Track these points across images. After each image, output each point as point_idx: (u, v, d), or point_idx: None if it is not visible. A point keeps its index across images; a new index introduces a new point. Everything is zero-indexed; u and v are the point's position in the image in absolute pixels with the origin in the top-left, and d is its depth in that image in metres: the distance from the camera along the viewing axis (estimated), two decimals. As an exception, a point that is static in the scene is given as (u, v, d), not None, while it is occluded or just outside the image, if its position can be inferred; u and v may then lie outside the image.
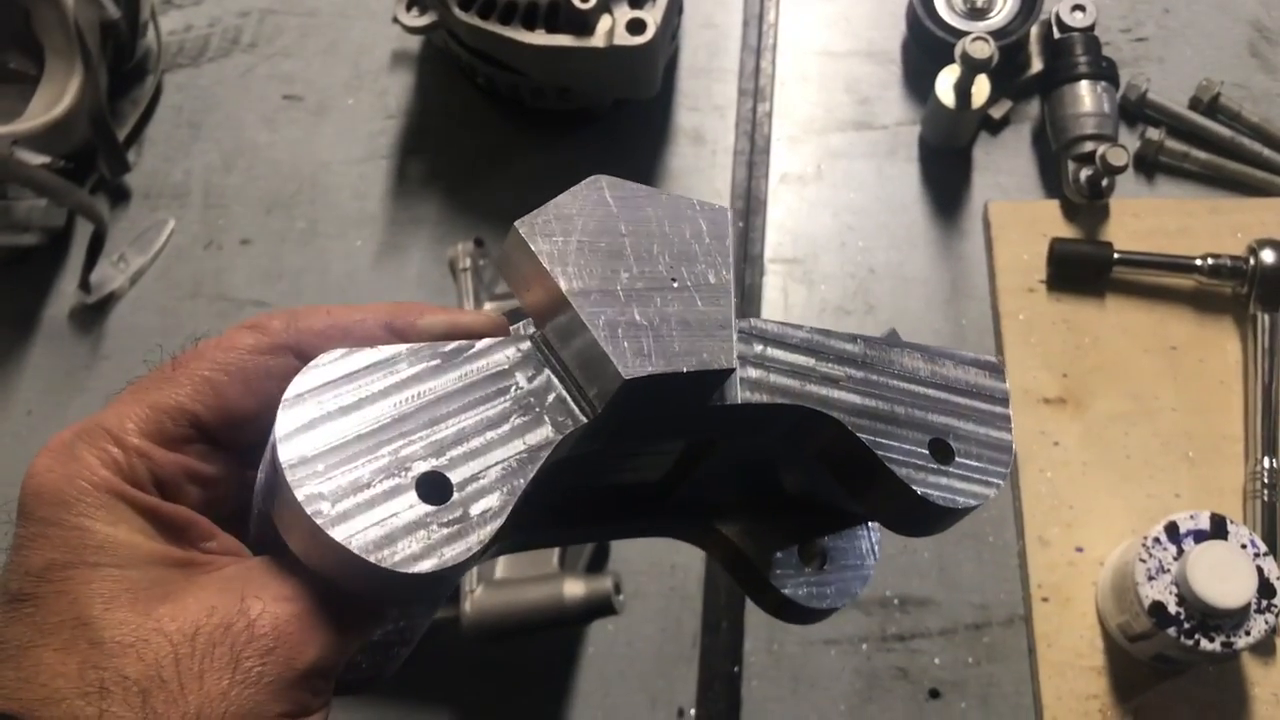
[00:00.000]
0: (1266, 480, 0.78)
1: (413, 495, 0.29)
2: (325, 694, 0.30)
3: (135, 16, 0.96)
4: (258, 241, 0.93)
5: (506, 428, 0.30)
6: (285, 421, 0.28)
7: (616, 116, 0.95)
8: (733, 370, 0.33)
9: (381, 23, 1.00)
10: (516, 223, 0.32)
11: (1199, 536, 0.71)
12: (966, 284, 0.89)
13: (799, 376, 0.35)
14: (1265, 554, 0.70)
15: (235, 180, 0.96)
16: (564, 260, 0.32)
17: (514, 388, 0.31)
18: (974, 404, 0.38)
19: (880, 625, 0.78)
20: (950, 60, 0.86)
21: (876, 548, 0.46)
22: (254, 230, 0.93)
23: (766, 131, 0.95)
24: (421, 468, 0.29)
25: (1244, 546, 0.70)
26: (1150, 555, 0.70)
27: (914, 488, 0.35)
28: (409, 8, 0.88)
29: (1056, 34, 0.91)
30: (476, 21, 0.84)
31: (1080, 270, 0.86)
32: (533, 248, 0.32)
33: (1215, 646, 0.68)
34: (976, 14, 0.93)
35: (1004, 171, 0.93)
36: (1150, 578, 0.70)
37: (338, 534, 0.28)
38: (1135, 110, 0.93)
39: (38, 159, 0.85)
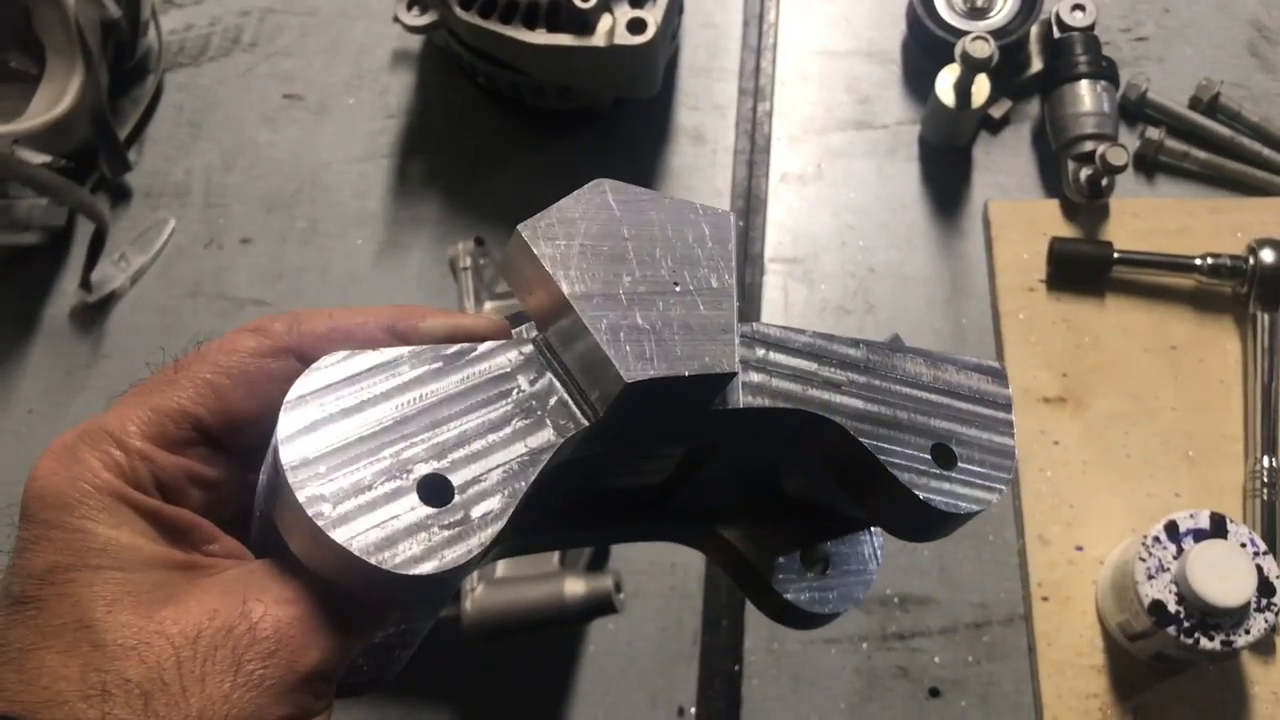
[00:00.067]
0: (1266, 479, 0.78)
1: (414, 497, 0.29)
2: (327, 696, 0.30)
3: (136, 15, 0.96)
4: (258, 241, 0.93)
5: (508, 430, 0.30)
6: (287, 423, 0.28)
7: (617, 116, 0.95)
8: (734, 374, 0.33)
9: (382, 22, 1.00)
10: (519, 226, 0.32)
11: (1199, 535, 0.71)
12: (966, 283, 0.89)
13: (801, 381, 0.35)
14: (1265, 553, 0.70)
15: (236, 179, 0.96)
16: (566, 264, 0.32)
17: (516, 390, 0.31)
18: (977, 409, 0.38)
19: (880, 624, 0.78)
20: (950, 60, 0.86)
21: (879, 553, 0.46)
22: (255, 229, 0.94)
23: (767, 131, 0.95)
24: (423, 470, 0.29)
25: (1243, 545, 0.70)
26: (1150, 554, 0.71)
27: (916, 493, 0.35)
28: (410, 7, 0.88)
29: (1056, 33, 0.91)
30: (477, 21, 0.84)
31: (1080, 270, 0.86)
32: (535, 251, 0.32)
33: (1215, 645, 0.68)
34: (976, 13, 0.93)
35: (1004, 171, 0.93)
36: (1150, 576, 0.70)
37: (339, 536, 0.28)
38: (1135, 110, 0.93)
39: (39, 158, 0.85)
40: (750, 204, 0.92)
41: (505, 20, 0.84)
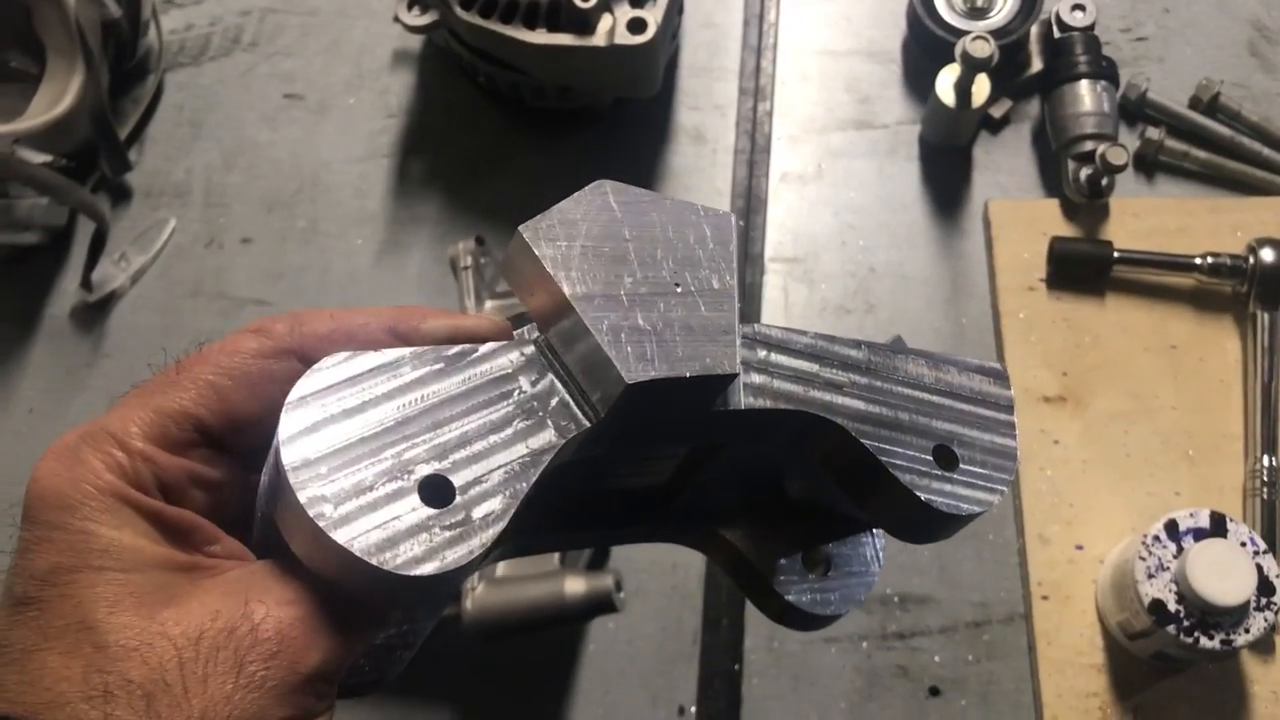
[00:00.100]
0: (1266, 478, 0.78)
1: (415, 498, 0.29)
2: (329, 698, 0.30)
3: (136, 15, 0.96)
4: (259, 240, 0.93)
5: (509, 431, 0.30)
6: (288, 424, 0.28)
7: (617, 115, 0.95)
8: (736, 375, 0.33)
9: (383, 22, 1.00)
10: (520, 227, 0.32)
11: (1198, 534, 0.71)
12: (967, 283, 0.89)
13: (803, 382, 0.35)
14: (1264, 552, 0.70)
15: (236, 179, 0.96)
16: (568, 265, 0.32)
17: (517, 391, 0.31)
18: (978, 410, 0.38)
19: (880, 623, 0.79)
20: (950, 59, 0.86)
21: (880, 554, 0.46)
22: (255, 229, 0.94)
23: (767, 130, 0.95)
24: (424, 471, 0.29)
25: (1243, 544, 0.70)
26: (1150, 553, 0.71)
27: (918, 494, 0.35)
28: (410, 7, 0.88)
29: (1056, 33, 0.91)
30: (478, 20, 0.84)
31: (1080, 269, 0.86)
32: (536, 252, 0.32)
33: (1215, 644, 0.68)
34: (977, 13, 0.93)
35: (1004, 170, 0.93)
36: (1150, 575, 0.70)
37: (340, 536, 0.28)
38: (1135, 109, 0.93)
39: (39, 157, 0.85)
40: (750, 204, 0.92)
41: (505, 20, 0.84)
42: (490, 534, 0.29)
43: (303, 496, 0.28)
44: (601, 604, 0.69)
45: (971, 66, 0.85)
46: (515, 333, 0.35)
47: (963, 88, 0.87)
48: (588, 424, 0.31)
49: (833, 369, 0.36)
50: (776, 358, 0.35)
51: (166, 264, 0.93)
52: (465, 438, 0.30)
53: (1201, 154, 0.91)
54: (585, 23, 0.83)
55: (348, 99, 0.98)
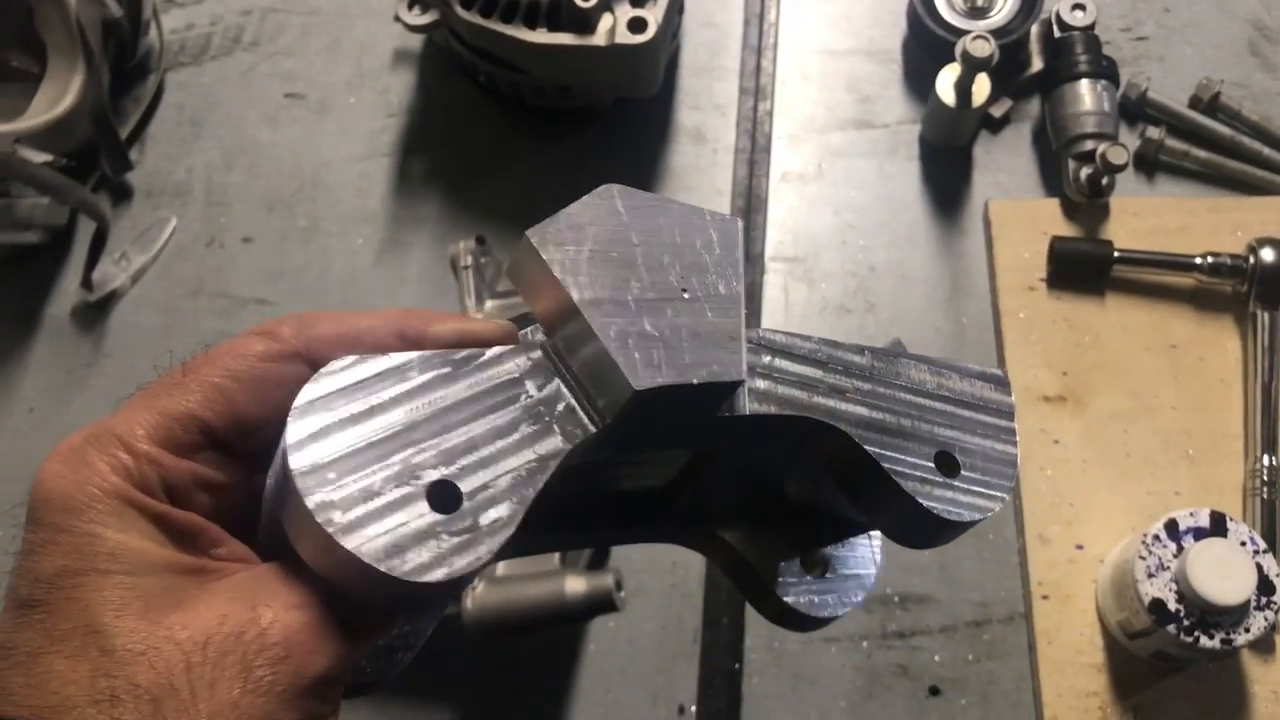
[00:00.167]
0: (1266, 478, 0.78)
1: (423, 504, 0.28)
2: (334, 701, 0.30)
3: (137, 15, 0.96)
4: (259, 239, 0.93)
5: (516, 436, 0.30)
6: (296, 429, 0.28)
7: (617, 115, 0.95)
8: (742, 382, 0.33)
9: (383, 21, 1.00)
10: (528, 231, 0.32)
11: (1199, 534, 0.71)
12: (967, 282, 0.89)
13: (806, 388, 0.35)
14: (1265, 551, 0.70)
15: (237, 178, 0.96)
16: (576, 270, 0.32)
17: (524, 396, 0.31)
18: (979, 417, 0.38)
19: (881, 622, 0.79)
20: (951, 59, 0.86)
21: (878, 556, 0.46)
22: (256, 228, 0.94)
23: (767, 130, 0.95)
24: (432, 476, 0.29)
25: (1243, 544, 0.70)
26: (1150, 552, 0.71)
27: (920, 501, 0.35)
28: (410, 6, 0.88)
29: (1057, 33, 0.91)
30: (478, 20, 0.84)
31: (1080, 269, 0.86)
32: (544, 257, 0.32)
33: (1215, 643, 0.68)
34: (977, 13, 0.93)
35: (1004, 170, 0.93)
36: (1150, 575, 0.70)
37: (348, 543, 0.27)
38: (1135, 109, 0.93)
39: (40, 157, 0.85)
40: (751, 203, 0.92)
41: (506, 19, 0.84)
42: (498, 540, 0.29)
43: (310, 502, 0.28)
44: (602, 603, 0.69)
45: (972, 66, 0.85)
46: (520, 334, 0.35)
47: (963, 87, 0.87)
48: (594, 430, 0.31)
49: (836, 374, 0.36)
50: (780, 363, 0.35)
51: (167, 263, 0.93)
52: (472, 443, 0.30)
53: (1202, 153, 0.91)
54: (586, 22, 0.83)
55: (348, 98, 0.98)
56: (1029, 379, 0.84)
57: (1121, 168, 0.84)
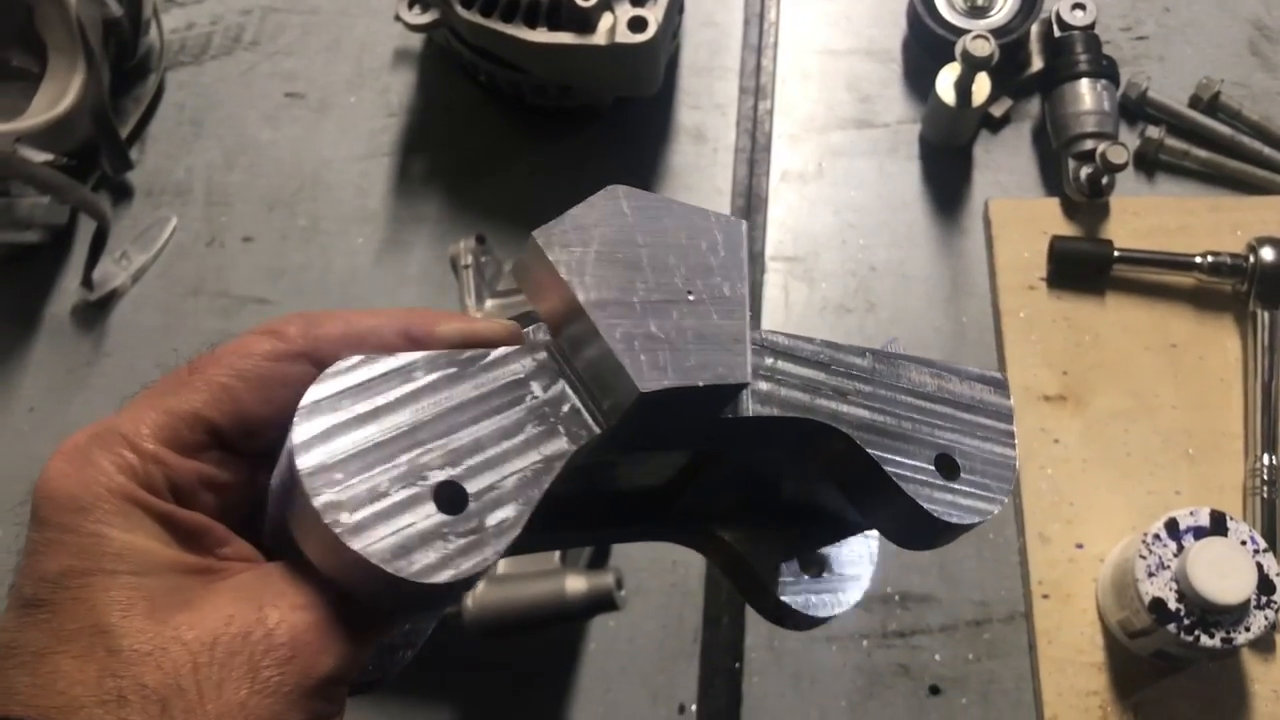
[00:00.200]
0: (1266, 477, 0.79)
1: (430, 505, 0.28)
2: (340, 701, 0.30)
3: (137, 14, 0.96)
4: (260, 239, 0.93)
5: (522, 438, 0.30)
6: (303, 429, 0.28)
7: (618, 114, 0.95)
8: (747, 384, 0.33)
9: (383, 20, 1.00)
10: (534, 232, 0.32)
11: (1199, 533, 0.71)
12: (967, 281, 0.89)
13: (809, 390, 0.35)
14: (1265, 550, 0.70)
15: (237, 178, 0.96)
16: (581, 271, 0.32)
17: (529, 397, 0.31)
18: (979, 420, 0.38)
19: (881, 622, 0.79)
20: (951, 58, 0.86)
21: (875, 556, 0.46)
22: (256, 228, 0.94)
23: (767, 129, 0.95)
24: (438, 477, 0.29)
25: (1244, 543, 0.70)
26: (1150, 552, 0.71)
27: (920, 503, 0.35)
28: (411, 5, 0.88)
29: (1057, 32, 0.91)
30: (478, 19, 0.84)
31: (1081, 268, 0.86)
32: (550, 257, 0.31)
33: (1215, 643, 0.68)
34: (977, 12, 0.93)
35: (1004, 169, 0.93)
36: (1150, 574, 0.70)
37: (356, 544, 0.27)
38: (1135, 108, 0.93)
39: (40, 156, 0.85)
40: (751, 202, 0.92)
41: (506, 19, 0.84)
42: (504, 542, 0.29)
43: (318, 502, 0.28)
44: (602, 602, 0.69)
45: (972, 65, 0.85)
46: (523, 335, 0.35)
47: (963, 86, 0.87)
48: (598, 431, 0.31)
49: (838, 377, 0.36)
50: (783, 365, 0.35)
51: (168, 263, 0.93)
52: (479, 444, 0.30)
53: (1202, 153, 0.91)
54: (586, 21, 0.83)
55: (349, 98, 0.99)
56: (1029, 378, 0.84)
57: (1121, 167, 0.84)
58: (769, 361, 0.35)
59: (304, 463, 0.28)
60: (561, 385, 0.32)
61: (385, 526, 0.28)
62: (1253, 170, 0.90)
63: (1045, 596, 0.78)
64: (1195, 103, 0.93)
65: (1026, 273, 0.87)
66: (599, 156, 0.95)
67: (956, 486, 0.36)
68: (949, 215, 0.92)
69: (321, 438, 0.28)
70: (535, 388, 0.31)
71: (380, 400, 0.29)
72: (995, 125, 0.94)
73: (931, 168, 0.93)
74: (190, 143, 0.97)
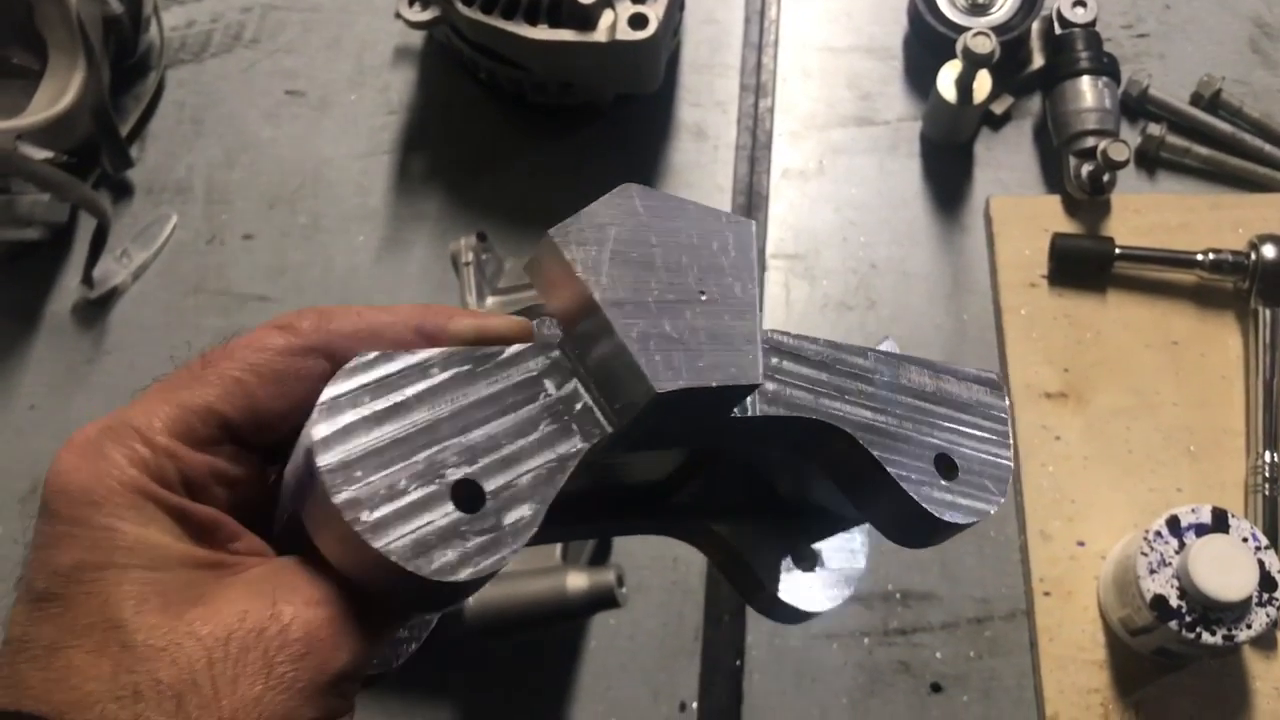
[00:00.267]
0: (1268, 474, 0.79)
1: (448, 503, 0.28)
2: (352, 697, 0.30)
3: (138, 12, 0.96)
4: (260, 237, 0.93)
5: (537, 435, 0.30)
6: (322, 426, 0.28)
7: (618, 112, 0.95)
8: (758, 385, 0.33)
9: (384, 18, 1.00)
10: (551, 230, 0.31)
11: (1200, 530, 0.71)
12: (968, 279, 0.89)
13: (813, 390, 0.36)
14: (1266, 547, 0.70)
15: (238, 176, 0.96)
16: (598, 269, 0.31)
17: (543, 395, 0.31)
18: (977, 420, 0.38)
19: (882, 619, 0.79)
20: (952, 56, 0.86)
21: (867, 551, 0.47)
22: (256, 225, 0.94)
23: (768, 127, 0.95)
24: (456, 475, 0.29)
25: (1245, 540, 0.70)
26: (1152, 549, 0.71)
27: (920, 503, 0.36)
28: (411, 3, 0.88)
29: (1058, 30, 0.91)
30: (479, 16, 0.84)
31: (1082, 265, 0.86)
32: (566, 256, 0.31)
33: (1216, 640, 0.68)
34: (978, 9, 0.93)
35: (1005, 167, 0.93)
36: (1152, 571, 0.70)
37: (376, 541, 0.27)
38: (1136, 106, 0.93)
39: (41, 154, 0.85)
40: (752, 200, 0.92)
41: (507, 16, 0.84)
42: (521, 540, 0.29)
43: (338, 499, 0.27)
44: (603, 599, 0.69)
45: (973, 63, 0.85)
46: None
47: (964, 84, 0.87)
48: (610, 429, 0.31)
49: (841, 377, 0.36)
50: (789, 365, 0.36)
51: (168, 260, 0.93)
52: (495, 442, 0.30)
53: (1203, 150, 0.91)
54: (587, 18, 0.83)
55: (349, 95, 0.98)
56: (1030, 376, 0.84)
57: (1123, 164, 0.84)
58: (774, 361, 0.35)
59: (324, 460, 0.28)
60: (574, 384, 0.32)
61: (405, 525, 0.28)
62: (1254, 167, 0.90)
63: (1046, 594, 0.78)
64: (1196, 100, 0.93)
65: (1028, 270, 0.87)
66: (599, 154, 0.95)
67: (955, 486, 0.37)
68: (950, 213, 0.91)
69: (341, 435, 0.28)
70: (549, 385, 0.31)
71: (398, 397, 0.29)
72: (996, 123, 0.94)
73: (932, 165, 0.93)
74: (191, 140, 0.97)
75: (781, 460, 0.43)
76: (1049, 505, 0.80)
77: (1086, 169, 0.87)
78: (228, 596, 0.29)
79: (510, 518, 0.29)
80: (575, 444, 0.31)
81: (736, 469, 0.44)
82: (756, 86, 0.97)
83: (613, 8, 0.83)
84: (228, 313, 0.90)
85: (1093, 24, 0.90)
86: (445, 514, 0.28)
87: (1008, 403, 0.39)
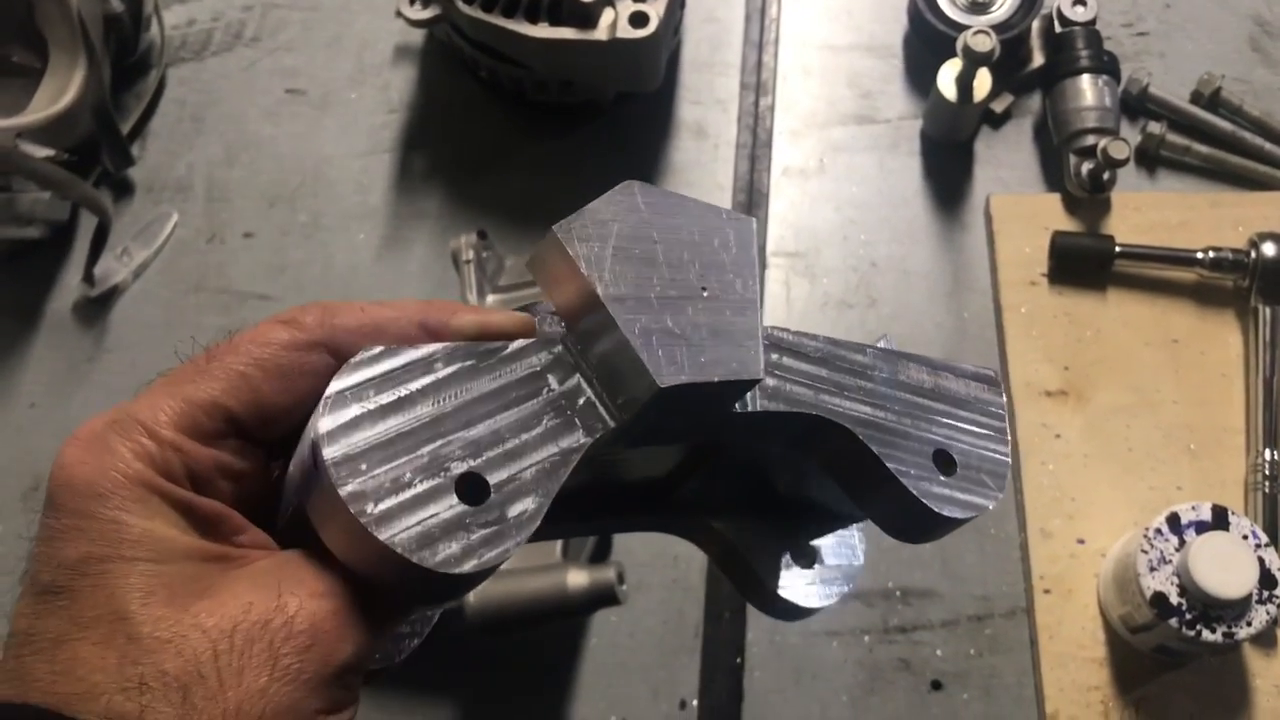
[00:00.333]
0: (1268, 472, 0.79)
1: (452, 496, 0.29)
2: (356, 689, 0.30)
3: (138, 10, 0.96)
4: (260, 235, 0.93)
5: (540, 430, 0.31)
6: (328, 419, 0.28)
7: (619, 110, 0.95)
8: (759, 380, 0.33)
9: (384, 17, 1.00)
10: (554, 226, 0.32)
11: (1200, 528, 0.71)
12: (968, 277, 0.89)
13: (813, 386, 0.36)
14: (1266, 545, 0.70)
15: (238, 174, 0.96)
16: (601, 265, 0.32)
17: (546, 390, 0.31)
18: (975, 416, 0.39)
19: (882, 617, 0.79)
20: (952, 54, 0.87)
21: (863, 547, 0.47)
22: (257, 224, 0.94)
23: (768, 125, 0.95)
24: (460, 468, 0.29)
25: (1245, 537, 0.70)
26: (1152, 546, 0.71)
27: (919, 498, 0.36)
28: (412, 1, 0.88)
29: (1058, 28, 0.91)
30: (480, 15, 0.84)
31: (1082, 263, 0.86)
32: (570, 251, 0.32)
33: (1217, 637, 0.69)
34: (978, 8, 0.93)
35: (1005, 165, 0.93)
36: (1152, 569, 0.70)
37: (382, 533, 0.28)
38: (1136, 104, 0.93)
39: (42, 152, 0.85)
40: (752, 198, 0.92)
41: (508, 14, 0.84)
42: (525, 533, 0.29)
43: (344, 492, 0.28)
44: (604, 597, 0.69)
45: (973, 61, 0.85)
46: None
47: (964, 82, 0.87)
48: (613, 424, 0.32)
49: (840, 373, 0.37)
50: (788, 361, 0.36)
51: (168, 259, 0.93)
52: (498, 436, 0.30)
53: (1203, 148, 0.91)
54: (587, 17, 0.83)
55: (349, 94, 0.99)
56: (1030, 374, 0.84)
57: (1123, 163, 0.84)
58: (774, 357, 0.36)
59: (330, 452, 0.28)
60: (577, 379, 0.32)
61: (409, 517, 0.28)
62: (1254, 166, 0.90)
63: (1047, 591, 0.78)
64: (1196, 98, 0.93)
65: (1028, 268, 0.87)
66: (600, 152, 0.95)
67: (953, 481, 0.37)
68: (950, 211, 0.92)
69: (346, 428, 0.28)
70: (552, 380, 0.32)
71: (403, 391, 0.29)
72: (996, 121, 0.94)
73: (933, 163, 0.93)
74: (191, 139, 0.97)
75: (781, 457, 0.43)
76: (1049, 503, 0.80)
77: (1087, 167, 0.87)
78: (233, 589, 0.29)
79: (514, 510, 0.29)
80: (578, 438, 0.31)
81: (736, 466, 0.44)
82: (757, 85, 0.97)
83: (613, 6, 0.83)
84: (228, 311, 0.90)
85: (1093, 22, 0.91)
86: (449, 506, 0.28)
87: (1005, 399, 0.40)
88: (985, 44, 0.84)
